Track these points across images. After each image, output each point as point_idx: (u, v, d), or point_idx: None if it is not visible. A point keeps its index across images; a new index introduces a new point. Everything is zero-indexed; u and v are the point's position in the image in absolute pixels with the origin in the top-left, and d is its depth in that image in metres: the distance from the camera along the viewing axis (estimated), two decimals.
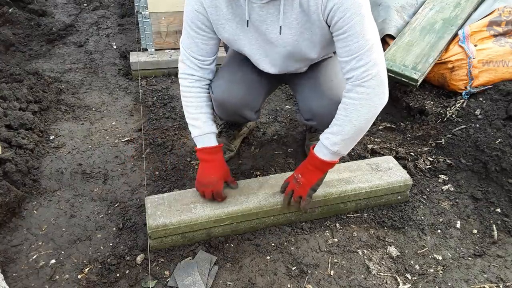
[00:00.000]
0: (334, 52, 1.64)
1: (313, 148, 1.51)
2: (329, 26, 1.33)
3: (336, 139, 1.41)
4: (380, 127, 2.39)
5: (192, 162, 2.10)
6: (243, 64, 1.65)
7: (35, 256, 1.57)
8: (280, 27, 1.34)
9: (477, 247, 1.67)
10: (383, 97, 1.36)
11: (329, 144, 1.43)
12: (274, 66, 1.54)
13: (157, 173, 2.03)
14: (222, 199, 1.62)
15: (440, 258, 1.63)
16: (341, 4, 1.24)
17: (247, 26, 1.39)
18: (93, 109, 2.55)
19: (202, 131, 1.56)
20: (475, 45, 2.23)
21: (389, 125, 2.39)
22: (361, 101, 1.34)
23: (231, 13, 1.39)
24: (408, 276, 1.55)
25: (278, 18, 1.34)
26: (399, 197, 1.85)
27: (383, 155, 2.02)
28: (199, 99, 1.57)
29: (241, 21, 1.40)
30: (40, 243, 1.62)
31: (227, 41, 1.50)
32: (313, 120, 1.70)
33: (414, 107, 2.36)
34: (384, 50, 2.38)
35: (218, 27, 1.45)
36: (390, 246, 1.67)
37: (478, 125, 2.05)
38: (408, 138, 2.24)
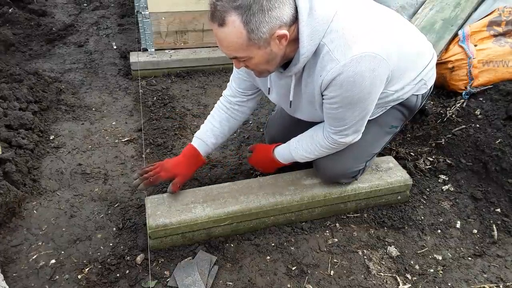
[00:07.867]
0: None
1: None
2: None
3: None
4: None
5: None
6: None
7: (35, 256, 1.57)
8: (290, 101, 1.50)
9: (477, 247, 1.67)
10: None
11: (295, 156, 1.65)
12: (298, 115, 1.64)
13: None
14: (173, 189, 1.64)
15: (440, 258, 1.63)
16: (336, 94, 1.32)
17: (269, 93, 1.60)
18: (93, 109, 2.55)
19: (199, 134, 1.75)
20: (475, 45, 2.22)
21: None
22: (330, 150, 1.59)
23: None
24: (408, 276, 1.56)
25: (289, 93, 1.47)
26: (399, 197, 1.85)
27: (383, 155, 2.01)
28: (218, 112, 1.76)
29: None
30: (40, 243, 1.62)
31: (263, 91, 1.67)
32: (315, 167, 1.77)
33: None
34: None
35: (255, 79, 1.61)
36: (390, 246, 1.67)
37: (478, 125, 2.05)
38: (408, 138, 2.24)
